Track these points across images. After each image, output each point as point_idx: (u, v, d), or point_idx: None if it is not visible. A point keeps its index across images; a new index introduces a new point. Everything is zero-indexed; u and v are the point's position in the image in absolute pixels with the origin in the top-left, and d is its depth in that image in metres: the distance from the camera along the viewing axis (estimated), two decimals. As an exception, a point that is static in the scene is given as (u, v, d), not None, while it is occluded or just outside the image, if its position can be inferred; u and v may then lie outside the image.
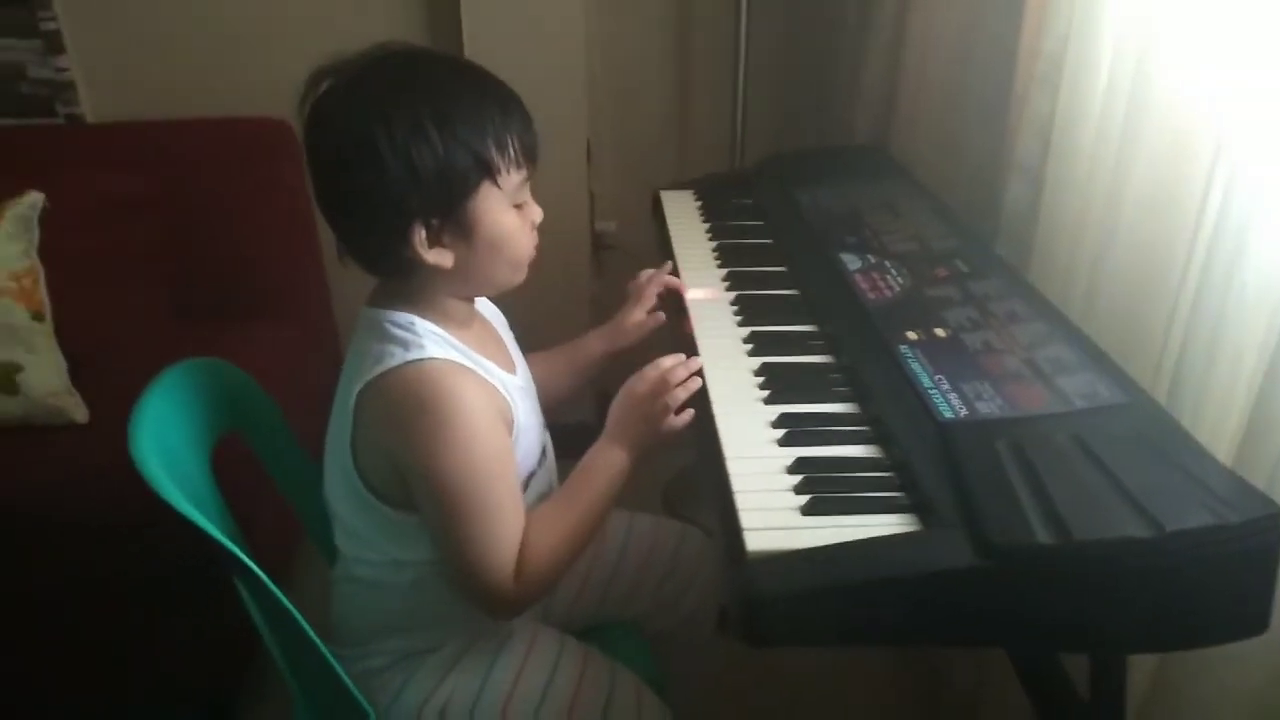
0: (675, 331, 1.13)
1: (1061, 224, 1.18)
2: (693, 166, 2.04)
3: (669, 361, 0.99)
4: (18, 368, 1.47)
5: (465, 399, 0.88)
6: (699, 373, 0.99)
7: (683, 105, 2.05)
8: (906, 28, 1.58)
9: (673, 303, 1.18)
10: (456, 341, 0.93)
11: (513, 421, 0.94)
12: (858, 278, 1.14)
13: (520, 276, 0.98)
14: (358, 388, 0.90)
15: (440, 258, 0.90)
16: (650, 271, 1.20)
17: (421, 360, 0.88)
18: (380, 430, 0.90)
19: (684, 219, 1.42)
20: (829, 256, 1.20)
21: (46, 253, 1.59)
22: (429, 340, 0.90)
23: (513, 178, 0.91)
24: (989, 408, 0.88)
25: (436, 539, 0.91)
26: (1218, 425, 0.92)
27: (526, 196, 0.95)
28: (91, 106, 1.89)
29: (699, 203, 1.48)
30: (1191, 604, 0.74)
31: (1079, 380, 0.90)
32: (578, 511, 0.95)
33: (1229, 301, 0.89)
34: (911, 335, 1.01)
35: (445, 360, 0.90)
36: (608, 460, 0.97)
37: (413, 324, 0.91)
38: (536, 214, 0.96)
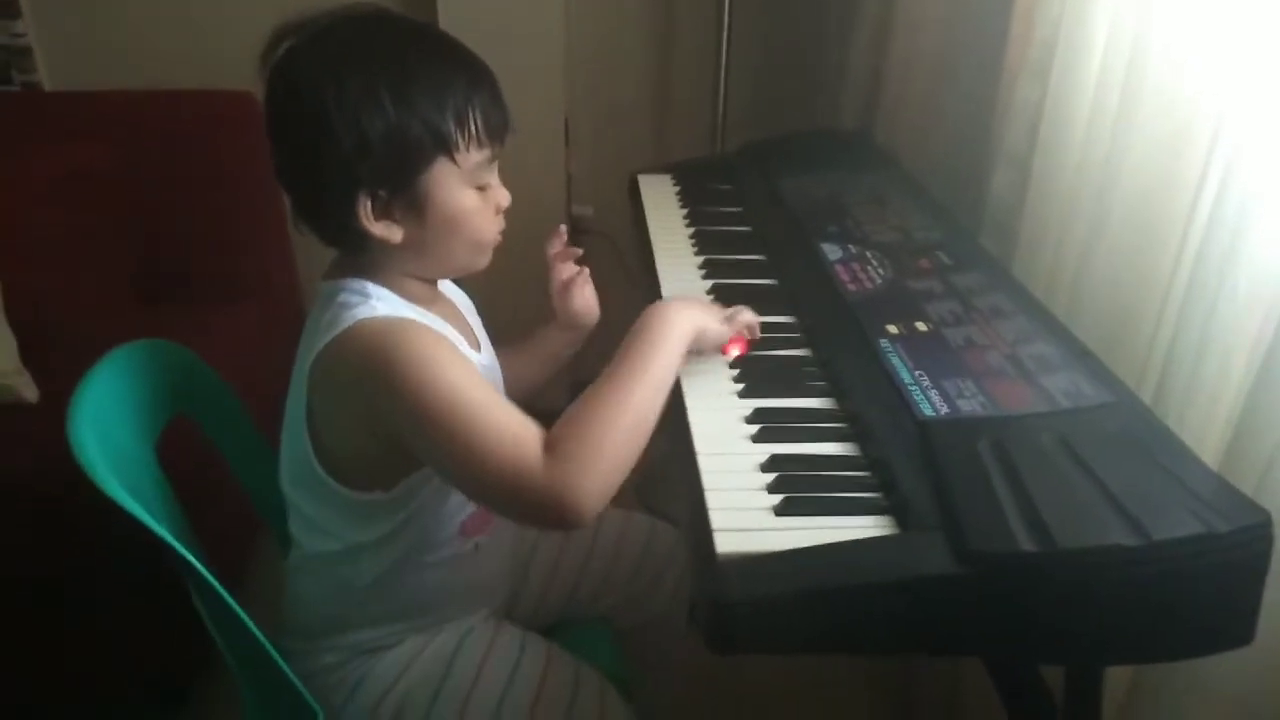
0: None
1: (1048, 216, 1.14)
2: (675, 150, 2.00)
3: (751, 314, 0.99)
4: (-35, 345, 1.41)
5: (416, 335, 0.83)
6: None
7: (664, 87, 2.01)
8: (894, 9, 1.54)
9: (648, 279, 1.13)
10: (414, 308, 0.88)
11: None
12: (838, 268, 1.11)
13: (482, 261, 0.93)
14: (310, 360, 0.85)
15: (388, 231, 0.85)
16: (550, 245, 1.12)
17: (370, 318, 0.84)
18: (342, 395, 0.85)
19: (662, 204, 1.38)
20: (809, 246, 1.16)
21: (1, 226, 1.53)
22: (381, 302, 0.86)
23: (472, 156, 0.86)
24: (971, 406, 0.84)
25: (452, 475, 0.82)
26: (1204, 427, 0.89)
27: (491, 178, 0.90)
28: (49, 74, 1.82)
29: (677, 188, 1.44)
30: (1177, 614, 0.71)
31: (1063, 378, 0.87)
32: (620, 375, 0.82)
33: (1220, 301, 0.86)
34: (892, 329, 0.97)
35: (398, 316, 0.85)
36: (663, 322, 0.86)
37: (365, 288, 0.87)
38: (503, 198, 0.92)
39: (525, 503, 0.77)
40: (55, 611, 1.39)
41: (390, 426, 0.82)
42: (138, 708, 1.50)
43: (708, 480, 0.80)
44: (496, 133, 0.88)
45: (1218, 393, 0.88)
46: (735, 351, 0.98)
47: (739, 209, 1.35)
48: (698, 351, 0.93)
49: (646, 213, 1.35)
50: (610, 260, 1.79)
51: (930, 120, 1.45)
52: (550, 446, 0.77)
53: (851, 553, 0.71)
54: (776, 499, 0.78)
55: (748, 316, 0.98)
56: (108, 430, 0.88)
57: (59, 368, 1.46)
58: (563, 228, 1.13)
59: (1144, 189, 0.97)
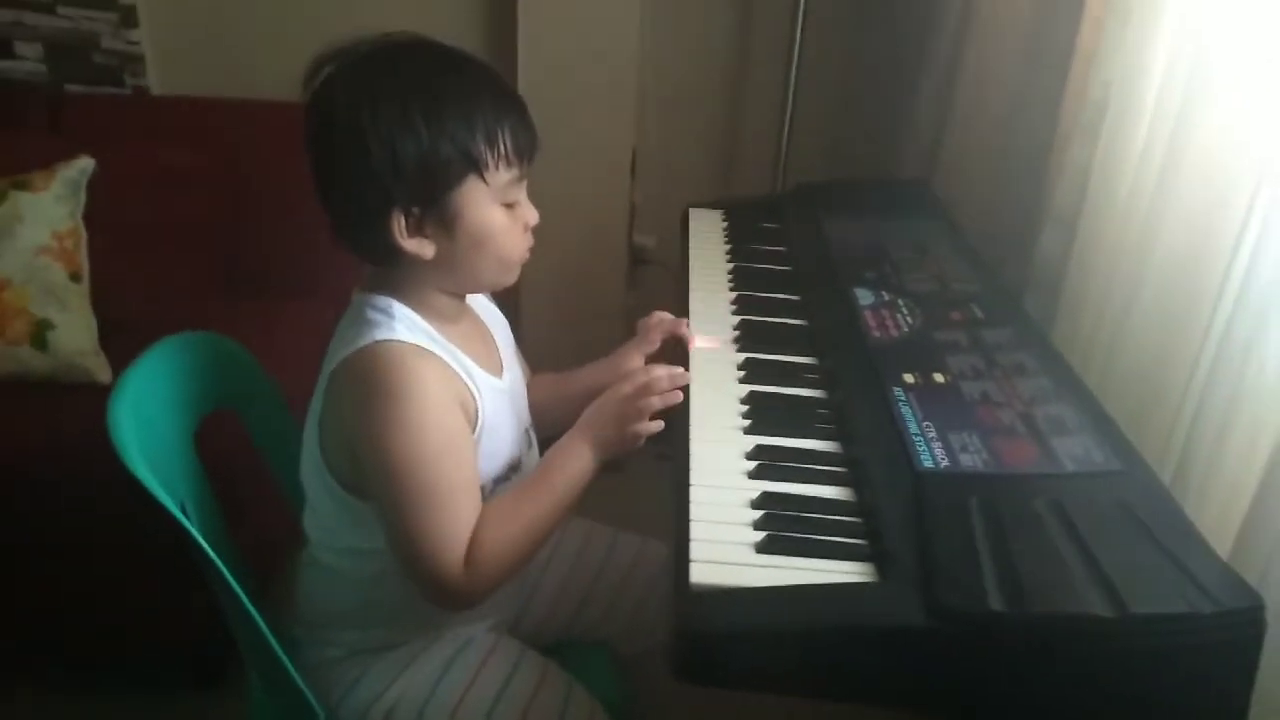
0: None
1: (1090, 279, 1.13)
2: (739, 186, 2.02)
3: (659, 370, 0.96)
4: (50, 325, 1.51)
5: (420, 380, 0.87)
6: (685, 390, 0.96)
7: (733, 123, 2.03)
8: (961, 64, 1.54)
9: (676, 352, 1.14)
10: (433, 330, 0.92)
11: (476, 415, 0.93)
12: (867, 314, 1.11)
13: (510, 277, 0.97)
14: (330, 369, 0.90)
15: (420, 247, 0.89)
16: (661, 314, 1.15)
17: (387, 341, 0.88)
18: (341, 411, 0.90)
19: (707, 238, 1.40)
20: (843, 290, 1.17)
21: (98, 218, 1.64)
22: (401, 324, 0.90)
23: (501, 175, 0.90)
24: (972, 461, 0.83)
25: (385, 523, 0.89)
26: (1227, 503, 0.86)
27: (520, 196, 0.94)
28: (158, 79, 1.95)
29: (725, 223, 1.45)
30: (1155, 694, 0.68)
31: (1075, 442, 0.85)
32: (536, 505, 0.91)
33: (1246, 377, 0.84)
34: (909, 378, 0.97)
35: (410, 343, 0.89)
36: (572, 455, 0.93)
37: (390, 307, 0.91)
38: (531, 215, 0.95)
39: (427, 586, 0.88)
40: (104, 581, 1.47)
41: (361, 453, 0.88)
42: (173, 684, 1.56)
43: (695, 511, 0.81)
44: (525, 152, 0.92)
45: (1240, 471, 0.85)
46: (657, 426, 0.94)
47: (783, 248, 1.36)
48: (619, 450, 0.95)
49: (690, 246, 1.37)
50: (666, 290, 1.82)
51: (987, 175, 1.44)
52: (471, 558, 0.87)
53: (824, 596, 0.72)
54: (760, 536, 0.78)
55: (657, 372, 0.94)
56: (147, 415, 0.94)
57: (133, 354, 1.57)
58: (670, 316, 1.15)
59: (1179, 259, 0.95)
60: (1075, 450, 0.84)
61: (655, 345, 1.13)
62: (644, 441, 0.94)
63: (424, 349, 0.90)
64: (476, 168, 0.88)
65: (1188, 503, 0.86)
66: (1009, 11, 1.39)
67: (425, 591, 0.89)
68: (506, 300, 1.89)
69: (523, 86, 1.83)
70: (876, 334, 1.06)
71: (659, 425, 0.94)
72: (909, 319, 1.09)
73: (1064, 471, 0.81)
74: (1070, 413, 0.90)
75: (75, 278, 1.55)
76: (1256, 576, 0.75)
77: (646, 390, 0.94)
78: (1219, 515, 0.86)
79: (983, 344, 1.03)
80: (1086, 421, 0.89)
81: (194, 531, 0.85)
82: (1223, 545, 0.82)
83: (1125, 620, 0.65)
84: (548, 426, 1.11)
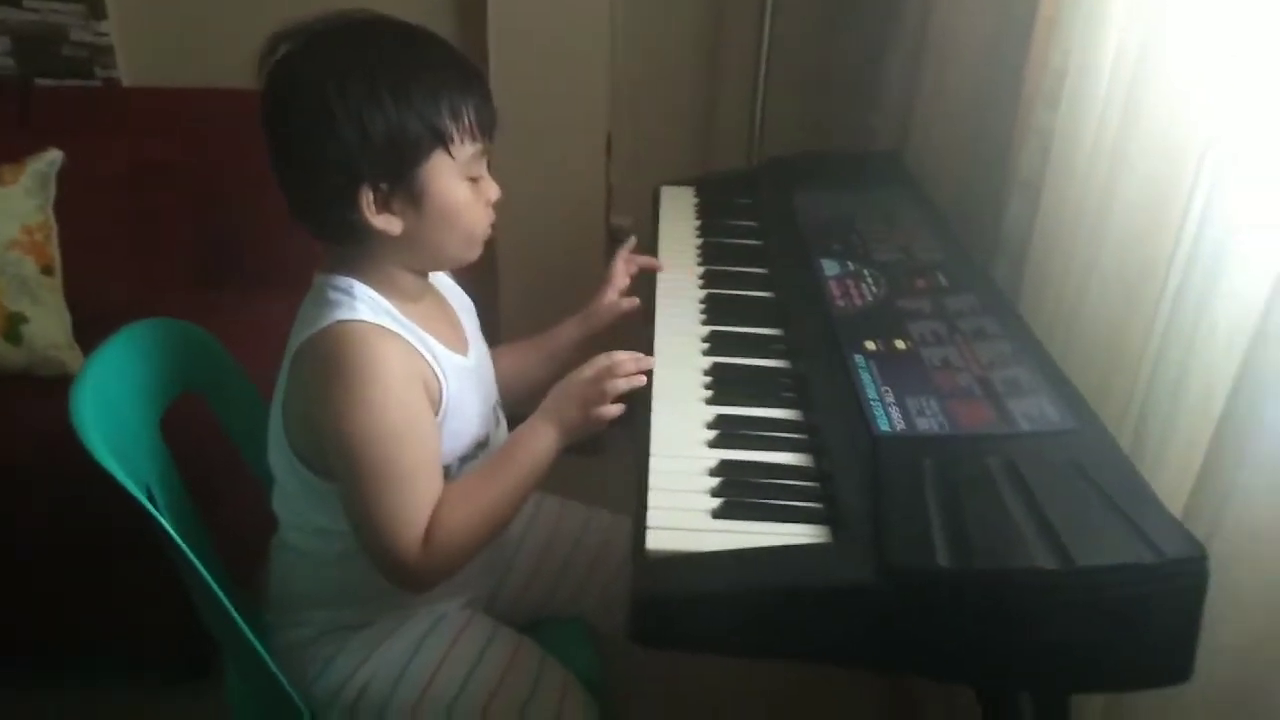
0: (647, 318, 1.11)
1: (1054, 243, 1.13)
2: (715, 164, 2.02)
3: (622, 355, 0.97)
4: (23, 319, 1.51)
5: (382, 360, 0.87)
6: (649, 373, 0.97)
7: (707, 102, 2.03)
8: (928, 35, 1.53)
9: (648, 287, 1.16)
10: (394, 309, 0.92)
11: (440, 394, 0.93)
12: (832, 284, 1.11)
13: (474, 253, 0.97)
14: (293, 350, 0.90)
15: (388, 224, 0.90)
16: (625, 252, 1.17)
17: (348, 320, 0.88)
18: (302, 391, 0.90)
19: (678, 215, 1.40)
20: (809, 261, 1.17)
21: (71, 210, 1.64)
22: (363, 303, 0.90)
23: (466, 148, 0.90)
24: (928, 424, 0.84)
25: (346, 503, 0.90)
26: (1183, 460, 0.86)
27: (482, 171, 0.94)
28: (128, 71, 1.94)
29: (697, 200, 1.46)
30: (1103, 644, 0.69)
31: (1030, 403, 0.86)
32: (497, 486, 0.92)
33: (1198, 336, 0.84)
34: (870, 345, 0.97)
35: (372, 322, 0.89)
36: (535, 437, 0.94)
37: (351, 287, 0.91)
38: (493, 190, 0.95)
39: (385, 566, 0.89)
40: (85, 575, 1.48)
41: (322, 433, 0.88)
42: (160, 676, 1.57)
43: (654, 480, 0.82)
44: (487, 127, 0.92)
45: (1194, 429, 0.85)
46: (619, 409, 0.95)
47: (753, 222, 1.37)
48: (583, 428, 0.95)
49: (660, 222, 1.37)
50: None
51: (956, 145, 1.44)
52: (430, 537, 0.88)
53: (777, 558, 0.72)
54: (717, 502, 0.79)
55: (619, 356, 0.95)
56: (111, 402, 0.95)
57: (109, 345, 1.57)
58: (633, 239, 1.22)
59: (1135, 222, 0.95)
60: (1030, 411, 0.85)
61: (625, 281, 1.16)
62: (607, 424, 0.94)
63: (386, 328, 0.90)
64: (443, 142, 0.89)
65: (1146, 461, 0.87)
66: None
67: (384, 571, 0.89)
68: (485, 281, 1.91)
69: (495, 71, 1.82)
70: (840, 303, 1.07)
71: (620, 409, 0.94)
72: (874, 288, 1.10)
73: (1018, 431, 0.82)
74: (1027, 375, 0.91)
75: (47, 271, 1.55)
76: (1206, 528, 0.76)
77: (609, 373, 0.94)
78: (1176, 472, 0.87)
79: (945, 311, 1.04)
80: (1043, 383, 0.89)
81: (157, 515, 0.86)
82: (1179, 500, 0.83)
83: (1070, 573, 0.66)
84: (526, 392, 1.12)
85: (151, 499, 0.91)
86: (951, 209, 1.36)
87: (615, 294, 1.16)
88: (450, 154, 0.90)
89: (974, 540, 0.68)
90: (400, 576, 0.89)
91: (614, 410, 0.94)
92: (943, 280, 1.11)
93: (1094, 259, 1.02)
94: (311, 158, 0.88)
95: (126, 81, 1.95)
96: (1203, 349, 0.84)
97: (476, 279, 1.12)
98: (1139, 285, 0.94)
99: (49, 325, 1.53)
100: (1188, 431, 0.86)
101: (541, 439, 0.94)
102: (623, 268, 1.16)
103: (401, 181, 0.89)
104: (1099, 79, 1.03)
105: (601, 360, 0.96)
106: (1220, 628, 0.72)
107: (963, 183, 1.42)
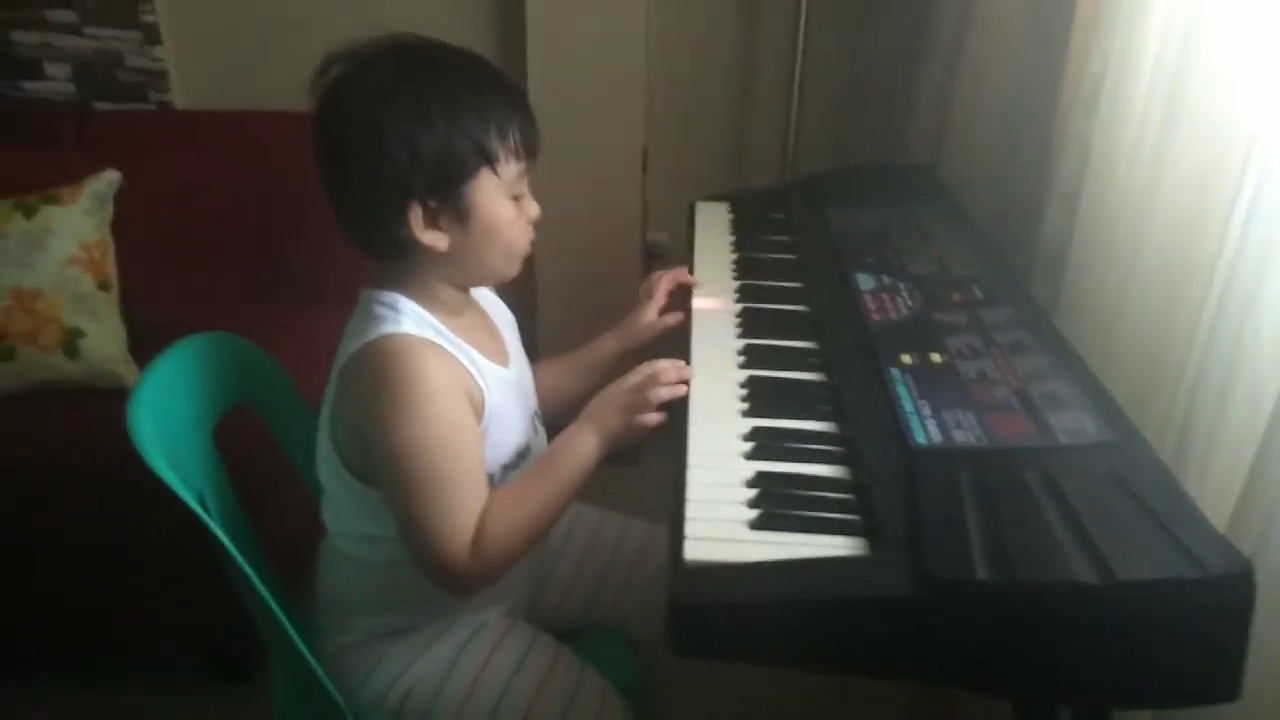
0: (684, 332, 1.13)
1: (1093, 253, 1.13)
2: (750, 179, 2.03)
3: (664, 363, 0.99)
4: (81, 333, 1.56)
5: (427, 371, 0.90)
6: (688, 382, 0.98)
7: (742, 117, 2.04)
8: (963, 47, 1.53)
9: (684, 302, 1.18)
10: (438, 323, 0.95)
11: (483, 405, 0.95)
12: (867, 297, 1.11)
13: (514, 268, 0.99)
14: (341, 364, 0.93)
15: (435, 239, 0.92)
16: (661, 271, 1.20)
17: (394, 334, 0.91)
18: (351, 403, 0.93)
19: (713, 230, 1.42)
20: (844, 275, 1.17)
21: (126, 230, 1.69)
22: (408, 318, 0.93)
23: (511, 168, 0.93)
24: (965, 437, 0.84)
25: (394, 511, 0.92)
26: (1228, 471, 0.86)
27: (524, 189, 0.97)
28: (182, 94, 2.01)
29: (732, 215, 1.47)
30: (1146, 660, 0.69)
31: (1069, 416, 0.86)
32: (541, 492, 0.94)
33: (1243, 345, 0.83)
34: (906, 359, 0.98)
35: (415, 335, 0.92)
36: (577, 444, 0.96)
37: (397, 302, 0.94)
38: (533, 209, 0.98)
39: (433, 572, 0.91)
40: (139, 579, 1.52)
41: (370, 443, 0.91)
42: (205, 680, 1.60)
43: (692, 491, 0.83)
44: (531, 147, 0.95)
45: (1240, 438, 0.85)
46: (661, 417, 0.96)
47: (787, 237, 1.37)
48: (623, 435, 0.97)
49: (696, 238, 1.38)
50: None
51: (992, 157, 1.44)
52: (477, 543, 0.90)
53: (814, 569, 0.73)
54: (754, 513, 0.80)
55: (662, 364, 0.97)
56: (167, 415, 0.98)
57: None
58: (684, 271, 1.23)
59: (1176, 228, 0.95)
60: (1069, 424, 0.85)
61: (663, 300, 1.17)
62: (649, 432, 0.96)
63: (430, 341, 0.93)
64: (489, 161, 0.91)
65: (1189, 473, 0.87)
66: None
67: (432, 577, 0.91)
68: (523, 297, 1.94)
69: (534, 90, 1.85)
70: (876, 317, 1.07)
71: (662, 417, 0.96)
72: (909, 301, 1.10)
73: (1057, 444, 0.82)
74: (1065, 388, 0.90)
75: (104, 287, 1.60)
76: (1253, 542, 0.75)
77: (651, 382, 0.96)
78: (1221, 484, 0.86)
79: (982, 324, 1.04)
80: (1082, 396, 0.89)
81: (211, 523, 0.89)
82: (1224, 513, 0.82)
83: (1111, 587, 0.65)
84: (565, 405, 1.14)
85: (205, 507, 0.94)
86: (987, 221, 1.36)
87: (654, 311, 1.17)
88: (496, 173, 0.92)
89: (1013, 553, 0.69)
90: (447, 582, 0.91)
91: (656, 418, 0.95)
92: (979, 293, 1.11)
93: (1133, 268, 1.01)
94: (362, 175, 0.91)
95: (180, 105, 2.01)
96: (1248, 357, 0.83)
97: (516, 292, 1.15)
98: (1180, 293, 0.93)
99: (106, 340, 1.58)
100: (1232, 443, 0.86)
101: (584, 446, 0.96)
102: (662, 285, 1.18)
103: (449, 199, 0.92)
104: (1139, 80, 1.03)
105: (644, 368, 0.98)
106: (1269, 645, 0.72)
107: (998, 195, 1.41)
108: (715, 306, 1.17)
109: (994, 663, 0.71)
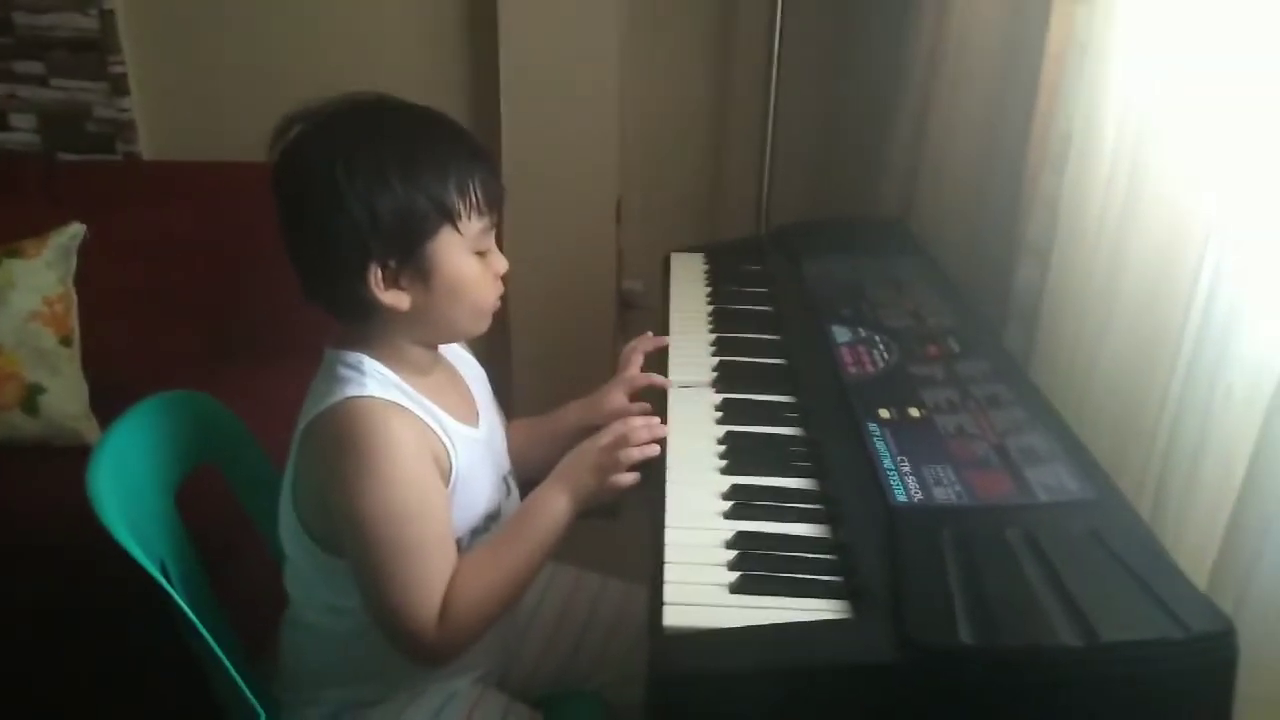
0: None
1: (1065, 308, 1.13)
2: (724, 230, 2.04)
3: (638, 421, 0.97)
4: (41, 389, 1.53)
5: (391, 435, 0.88)
6: (662, 441, 0.97)
7: (716, 168, 2.06)
8: (932, 104, 1.56)
9: (659, 363, 1.16)
10: (404, 384, 0.93)
11: (450, 468, 0.93)
12: (843, 350, 1.11)
13: (483, 325, 0.98)
14: (302, 427, 0.91)
15: (397, 299, 0.91)
16: (634, 343, 1.17)
17: (357, 397, 0.89)
18: (313, 468, 0.90)
19: (688, 282, 1.42)
20: (820, 327, 1.18)
21: (90, 283, 1.66)
22: (372, 379, 0.91)
23: (474, 224, 0.92)
24: (945, 494, 0.84)
25: (358, 581, 0.89)
26: (1205, 529, 0.86)
27: (490, 244, 0.95)
28: (149, 145, 1.99)
29: (707, 267, 1.47)
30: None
31: (1048, 471, 0.85)
32: (512, 555, 0.92)
33: (1215, 402, 0.84)
34: (884, 413, 0.97)
35: (380, 398, 0.89)
36: (549, 504, 0.94)
37: (361, 363, 0.92)
38: (500, 264, 0.96)
39: (401, 643, 0.89)
40: (107, 647, 1.46)
41: (334, 510, 0.88)
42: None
43: (670, 553, 0.81)
44: (494, 202, 0.94)
45: (1216, 497, 0.85)
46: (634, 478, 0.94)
47: (763, 289, 1.38)
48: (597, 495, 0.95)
49: (671, 289, 1.38)
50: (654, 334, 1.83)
51: (963, 211, 1.45)
52: (445, 612, 0.88)
53: (797, 634, 0.71)
54: (734, 576, 0.78)
55: (635, 423, 0.95)
56: (128, 475, 0.95)
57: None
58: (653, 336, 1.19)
59: (1147, 287, 0.96)
60: (1048, 480, 0.84)
61: (637, 372, 1.14)
62: (621, 492, 0.94)
63: (395, 404, 0.91)
64: (451, 218, 0.90)
65: (1167, 530, 0.86)
66: (975, 51, 1.42)
67: (400, 648, 0.89)
68: (498, 350, 1.92)
69: (507, 140, 1.86)
70: (853, 370, 1.07)
71: (635, 477, 0.94)
72: (885, 354, 1.10)
73: (1037, 502, 0.81)
74: (1044, 443, 0.90)
75: (65, 342, 1.57)
76: (1233, 600, 0.75)
77: (624, 441, 0.94)
78: (1197, 542, 0.86)
79: (958, 377, 1.04)
80: (1060, 451, 0.89)
81: (171, 590, 0.86)
82: (1202, 571, 0.82)
83: (1095, 649, 0.65)
84: (529, 470, 1.11)
85: (165, 573, 0.90)
86: (960, 274, 1.37)
87: (622, 396, 1.13)
88: (458, 230, 0.91)
89: (996, 616, 0.68)
90: (416, 653, 0.89)
91: (629, 479, 0.93)
92: (954, 346, 1.11)
93: (1105, 324, 1.02)
94: (321, 236, 0.89)
95: (147, 155, 1.99)
96: (1220, 415, 0.84)
97: (489, 343, 1.13)
98: (1153, 349, 0.94)
99: (66, 396, 1.54)
100: (1209, 500, 0.86)
101: (555, 506, 0.94)
102: (634, 359, 1.15)
103: (410, 258, 0.90)
104: (1103, 143, 1.04)
105: (617, 426, 0.96)
106: (1253, 703, 0.71)
107: (970, 249, 1.43)
108: (691, 380, 1.14)
109: (980, 729, 0.70)
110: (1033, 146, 1.22)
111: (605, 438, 0.95)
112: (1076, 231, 1.11)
